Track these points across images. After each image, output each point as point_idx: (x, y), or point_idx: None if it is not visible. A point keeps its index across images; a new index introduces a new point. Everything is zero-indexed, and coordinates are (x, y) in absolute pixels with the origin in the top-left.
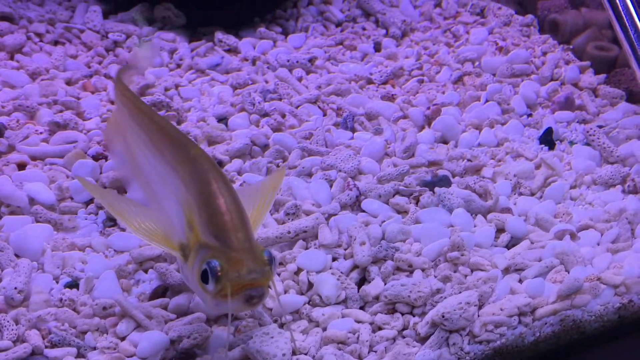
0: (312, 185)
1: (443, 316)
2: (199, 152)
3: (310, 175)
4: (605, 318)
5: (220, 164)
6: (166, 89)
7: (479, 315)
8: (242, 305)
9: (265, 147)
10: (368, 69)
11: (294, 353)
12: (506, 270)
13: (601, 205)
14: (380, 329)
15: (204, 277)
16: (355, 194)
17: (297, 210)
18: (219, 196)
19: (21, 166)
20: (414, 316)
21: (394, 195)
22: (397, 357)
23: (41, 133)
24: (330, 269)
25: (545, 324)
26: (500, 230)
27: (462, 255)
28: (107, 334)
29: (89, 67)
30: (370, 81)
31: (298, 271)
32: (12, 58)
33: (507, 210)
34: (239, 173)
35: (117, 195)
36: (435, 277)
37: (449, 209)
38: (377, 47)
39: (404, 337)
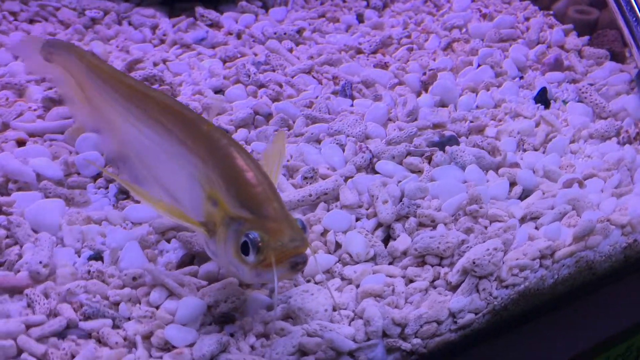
0: (325, 150)
1: (474, 262)
2: (211, 126)
3: (318, 141)
4: (614, 258)
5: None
6: (155, 64)
7: (503, 262)
8: (287, 272)
9: (268, 116)
10: (356, 39)
11: (334, 309)
12: (523, 220)
13: (599, 157)
14: (411, 281)
15: (244, 249)
16: (369, 156)
17: (315, 173)
18: (247, 169)
19: (20, 143)
20: (442, 267)
21: (406, 156)
22: (433, 305)
23: (35, 110)
24: (355, 228)
25: (563, 266)
26: (512, 184)
27: (480, 207)
28: (139, 303)
29: None
30: (359, 51)
31: (325, 232)
32: None
33: (516, 165)
34: (246, 142)
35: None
36: (458, 229)
37: (461, 166)
38: (360, 19)
39: (435, 287)
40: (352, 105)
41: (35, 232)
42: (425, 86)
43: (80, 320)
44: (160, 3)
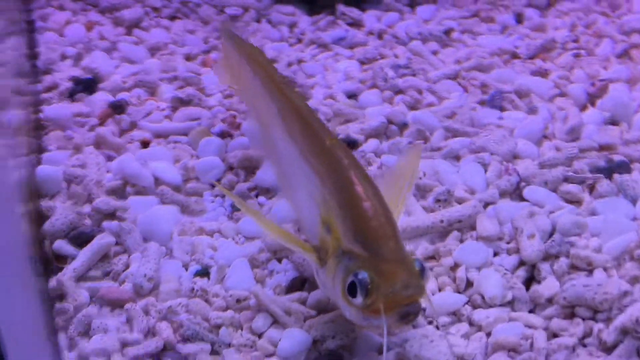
0: (464, 169)
1: (637, 321)
2: (335, 142)
3: (457, 158)
4: None
5: (355, 143)
6: (289, 64)
7: None
8: (396, 323)
9: (403, 126)
10: (512, 41)
11: None
12: None
13: None
14: (556, 335)
15: (351, 290)
16: (516, 179)
17: (450, 196)
18: (366, 198)
19: (145, 144)
20: (597, 322)
21: (562, 183)
22: None
23: (163, 109)
24: (492, 265)
25: None
26: None
27: None
28: (241, 329)
29: (206, 43)
30: (515, 55)
31: (455, 267)
32: (129, 33)
33: None
34: (377, 154)
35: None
36: (621, 277)
37: (632, 199)
38: (519, 19)
39: (584, 345)
40: (500, 118)
41: (146, 240)
42: (592, 99)
43: (178, 342)
44: (301, 0)
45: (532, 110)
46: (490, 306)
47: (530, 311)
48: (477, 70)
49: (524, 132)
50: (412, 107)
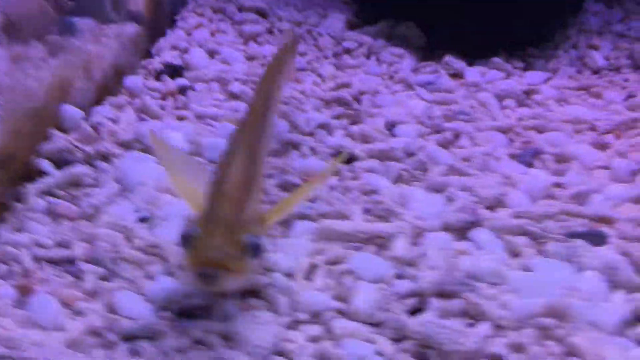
0: (427, 198)
1: None
2: (252, 118)
3: (439, 191)
4: None
5: (355, 158)
6: (361, 92)
7: None
8: (197, 282)
9: (411, 154)
10: (597, 114)
11: (280, 354)
12: None
13: None
14: None
15: (181, 241)
16: (468, 219)
17: (387, 215)
18: (230, 161)
19: (180, 118)
20: None
21: (517, 234)
22: None
23: (217, 100)
24: (386, 284)
25: None
26: None
27: (561, 326)
28: (141, 269)
29: (308, 64)
30: (593, 128)
31: (345, 273)
32: (245, 44)
33: None
34: (367, 170)
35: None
36: (507, 341)
37: (578, 268)
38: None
39: None
40: (524, 174)
41: (117, 182)
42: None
43: (81, 260)
44: (421, 48)
45: (558, 172)
46: (355, 319)
47: (398, 341)
48: (536, 131)
49: (526, 186)
50: (442, 145)
